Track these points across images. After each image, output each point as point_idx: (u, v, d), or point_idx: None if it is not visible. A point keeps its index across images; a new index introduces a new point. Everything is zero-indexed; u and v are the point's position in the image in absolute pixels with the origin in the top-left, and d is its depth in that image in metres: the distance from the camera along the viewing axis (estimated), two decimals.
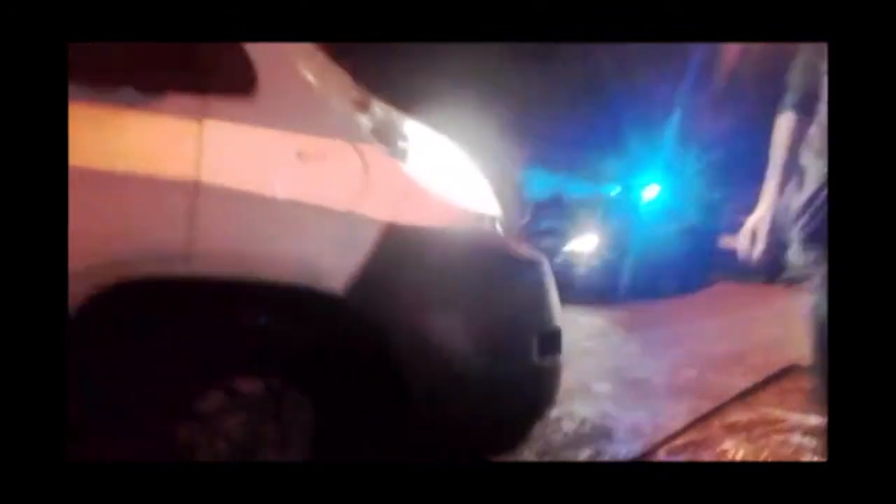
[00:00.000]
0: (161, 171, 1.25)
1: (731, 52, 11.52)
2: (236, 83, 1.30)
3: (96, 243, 1.22)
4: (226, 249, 1.29)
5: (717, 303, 8.10)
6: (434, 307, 1.38)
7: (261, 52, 1.31)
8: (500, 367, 1.44)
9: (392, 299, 1.34)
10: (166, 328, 1.29)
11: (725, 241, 11.95)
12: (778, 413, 3.29)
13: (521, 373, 1.48)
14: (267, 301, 1.33)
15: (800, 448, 2.81)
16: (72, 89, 1.11)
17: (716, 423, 3.09)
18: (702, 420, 3.09)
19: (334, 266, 1.30)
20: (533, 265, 1.55)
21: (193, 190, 1.26)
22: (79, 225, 1.13)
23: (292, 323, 1.36)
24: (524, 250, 1.60)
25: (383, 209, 1.34)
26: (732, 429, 3.03)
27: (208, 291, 1.28)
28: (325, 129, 1.36)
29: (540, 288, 1.53)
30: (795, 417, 3.19)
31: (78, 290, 1.18)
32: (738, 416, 3.23)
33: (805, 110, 1.35)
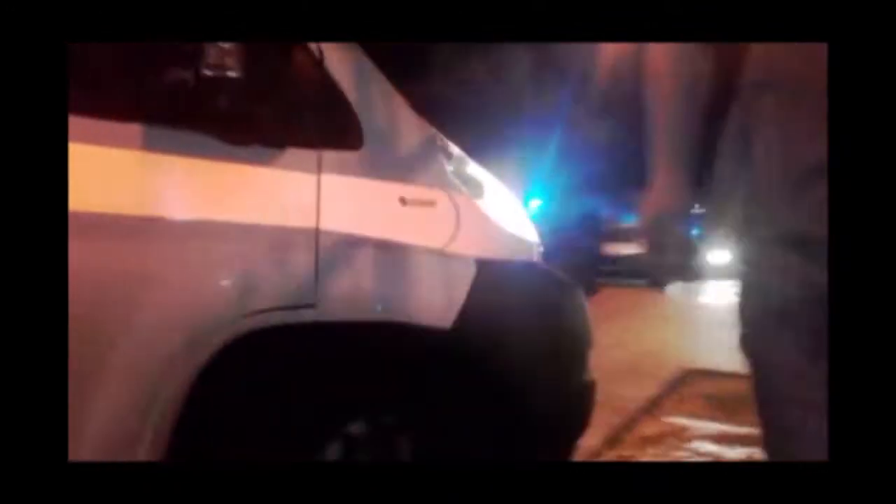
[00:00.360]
0: (285, 221, 1.32)
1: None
2: (346, 138, 1.42)
3: (227, 296, 1.27)
4: (345, 294, 1.36)
5: (602, 309, 8.33)
6: (516, 333, 1.49)
7: (366, 111, 1.43)
8: (567, 386, 1.61)
9: (485, 330, 1.44)
10: (293, 375, 1.34)
11: (607, 248, 12.46)
12: (683, 422, 3.30)
13: (576, 389, 1.64)
14: (386, 341, 1.39)
15: (718, 457, 2.80)
16: (202, 145, 1.25)
17: (628, 439, 3.04)
18: (614, 436, 3.02)
19: (442, 303, 1.42)
20: (575, 288, 1.69)
21: (315, 238, 1.33)
22: (212, 278, 1.25)
23: (408, 361, 1.43)
24: (564, 275, 1.74)
25: (473, 247, 1.49)
26: (646, 442, 3.00)
27: (333, 336, 1.35)
28: (422, 176, 1.50)
29: (584, 309, 1.69)
30: (699, 425, 3.21)
31: (212, 340, 1.24)
32: (648, 428, 3.21)
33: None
